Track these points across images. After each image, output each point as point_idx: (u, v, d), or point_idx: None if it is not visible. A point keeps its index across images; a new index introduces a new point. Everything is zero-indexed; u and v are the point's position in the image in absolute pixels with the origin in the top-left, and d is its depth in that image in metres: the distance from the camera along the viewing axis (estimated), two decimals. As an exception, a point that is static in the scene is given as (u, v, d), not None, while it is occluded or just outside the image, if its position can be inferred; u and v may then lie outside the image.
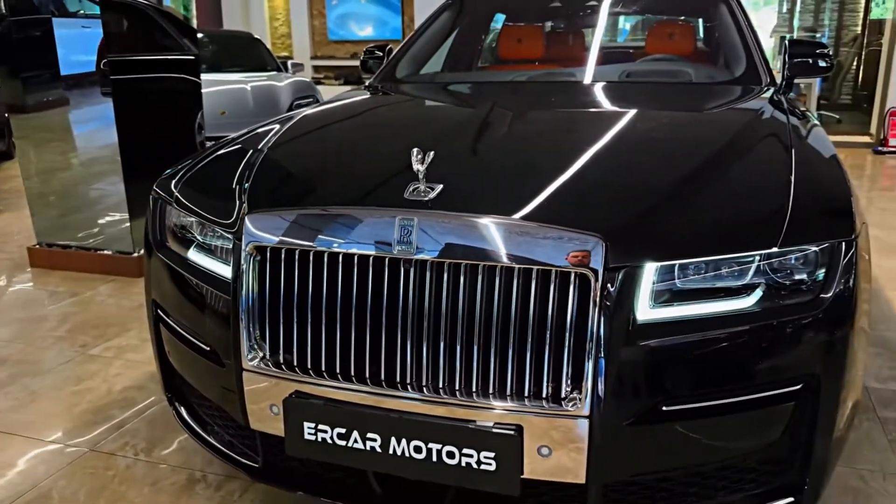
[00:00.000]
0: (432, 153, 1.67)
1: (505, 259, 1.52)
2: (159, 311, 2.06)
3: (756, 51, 2.95)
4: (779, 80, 2.87)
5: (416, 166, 1.65)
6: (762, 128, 2.20)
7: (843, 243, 1.59)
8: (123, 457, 2.36)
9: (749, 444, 1.62)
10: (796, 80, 3.10)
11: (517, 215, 1.57)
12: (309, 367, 1.69)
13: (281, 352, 1.71)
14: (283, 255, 1.68)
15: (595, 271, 1.49)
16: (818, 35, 12.66)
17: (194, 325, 1.90)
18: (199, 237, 1.94)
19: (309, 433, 1.68)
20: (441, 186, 1.66)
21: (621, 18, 8.07)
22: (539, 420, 1.53)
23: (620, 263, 1.50)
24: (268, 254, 1.70)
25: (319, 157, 2.16)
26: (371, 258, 1.61)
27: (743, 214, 1.65)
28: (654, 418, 1.54)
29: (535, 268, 1.51)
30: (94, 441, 2.45)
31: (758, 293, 1.57)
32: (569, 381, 1.53)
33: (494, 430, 1.55)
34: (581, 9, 3.65)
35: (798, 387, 1.59)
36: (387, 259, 1.60)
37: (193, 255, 1.93)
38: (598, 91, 2.79)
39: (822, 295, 1.57)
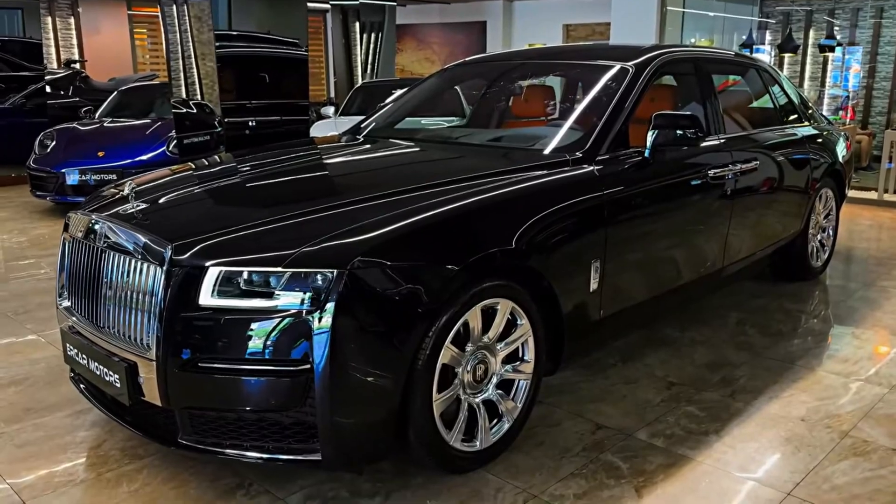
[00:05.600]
0: (134, 184, 2.64)
1: (132, 252, 2.44)
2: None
3: (603, 123, 3.26)
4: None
5: (124, 191, 2.64)
6: (492, 184, 2.78)
7: (335, 272, 2.21)
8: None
9: (270, 401, 2.29)
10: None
11: (140, 226, 2.48)
12: (74, 309, 2.75)
13: (67, 298, 2.80)
14: (70, 240, 2.79)
15: (164, 265, 2.33)
16: None
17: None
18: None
19: (69, 351, 2.75)
20: (143, 206, 2.62)
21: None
22: (140, 359, 2.41)
23: (182, 263, 2.31)
24: (69, 239, 2.81)
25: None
26: (91, 245, 2.64)
27: (290, 243, 2.31)
28: (193, 369, 2.31)
29: (141, 260, 2.40)
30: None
31: (288, 299, 2.25)
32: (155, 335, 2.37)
33: (120, 362, 2.45)
34: (501, 87, 4.29)
35: (300, 368, 2.23)
36: (95, 246, 2.61)
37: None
38: (429, 149, 3.57)
39: (317, 307, 2.21)
